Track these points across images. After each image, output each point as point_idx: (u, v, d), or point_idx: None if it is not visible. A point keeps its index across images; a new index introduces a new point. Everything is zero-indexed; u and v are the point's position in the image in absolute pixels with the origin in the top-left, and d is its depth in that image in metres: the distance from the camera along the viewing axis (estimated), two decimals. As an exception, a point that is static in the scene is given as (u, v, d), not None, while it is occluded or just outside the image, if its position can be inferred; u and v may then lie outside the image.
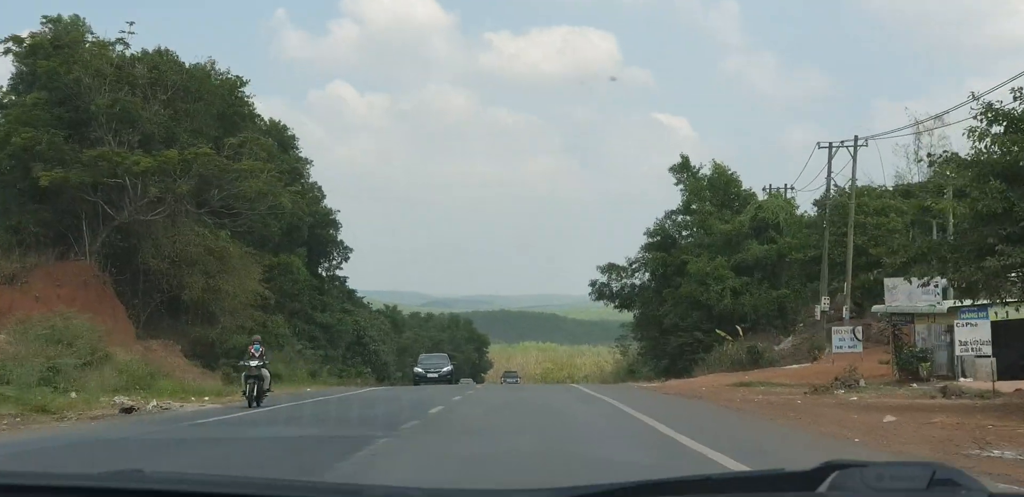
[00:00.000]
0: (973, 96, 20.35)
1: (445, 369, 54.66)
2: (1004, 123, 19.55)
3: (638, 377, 65.05)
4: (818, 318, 50.31)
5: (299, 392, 36.91)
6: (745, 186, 68.33)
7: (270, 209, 48.48)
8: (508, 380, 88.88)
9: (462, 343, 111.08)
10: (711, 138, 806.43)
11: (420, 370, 54.68)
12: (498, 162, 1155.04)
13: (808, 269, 55.30)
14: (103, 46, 45.71)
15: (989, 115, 19.51)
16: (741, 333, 54.55)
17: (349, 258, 71.38)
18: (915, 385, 29.77)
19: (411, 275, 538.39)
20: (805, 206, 64.80)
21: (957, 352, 24.66)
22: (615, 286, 69.52)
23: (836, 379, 30.15)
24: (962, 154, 22.30)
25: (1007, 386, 25.23)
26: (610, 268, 68.93)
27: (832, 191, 52.63)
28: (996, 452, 12.83)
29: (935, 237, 29.13)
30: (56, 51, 43.79)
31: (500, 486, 1.80)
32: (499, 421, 19.62)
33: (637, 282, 69.18)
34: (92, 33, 47.16)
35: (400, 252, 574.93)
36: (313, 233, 63.47)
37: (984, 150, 19.55)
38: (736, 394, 30.35)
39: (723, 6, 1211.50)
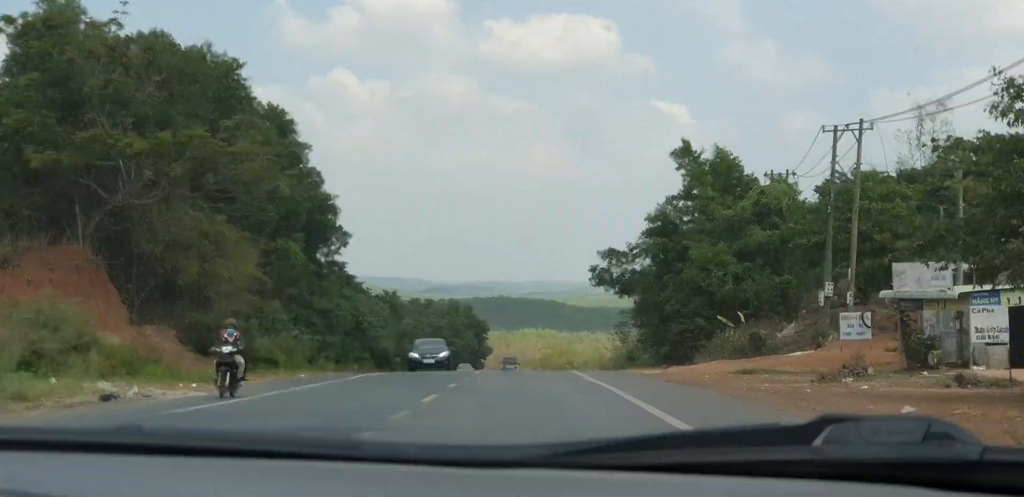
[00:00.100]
0: (995, 71, 19.56)
1: (442, 355, 53.38)
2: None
3: (638, 364, 64.44)
4: (821, 304, 49.65)
5: (292, 379, 36.15)
6: (747, 172, 67.58)
7: (267, 193, 47.70)
8: (507, 366, 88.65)
9: (461, 329, 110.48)
10: (711, 126, 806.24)
11: (416, 355, 53.51)
12: (499, 149, 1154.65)
13: (811, 255, 54.63)
14: (97, 27, 44.94)
15: (1011, 90, 18.73)
16: (743, 319, 53.93)
17: (348, 244, 70.77)
18: (925, 373, 29.11)
19: (412, 262, 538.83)
20: (807, 192, 64.13)
21: (973, 339, 23.92)
22: (615, 272, 68.92)
23: (844, 367, 29.45)
24: (966, 140, 21.73)
25: (1022, 374, 24.52)
26: (610, 253, 68.29)
27: (836, 175, 51.91)
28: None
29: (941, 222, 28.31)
30: (48, 31, 43.01)
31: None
32: (496, 412, 18.60)
33: (638, 268, 68.63)
34: (86, 14, 46.38)
35: (401, 239, 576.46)
36: (312, 218, 62.65)
37: (1008, 125, 18.75)
38: (741, 382, 29.71)
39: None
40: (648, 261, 67.55)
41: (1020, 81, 18.94)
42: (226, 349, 22.98)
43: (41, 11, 44.99)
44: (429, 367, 50.20)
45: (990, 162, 19.25)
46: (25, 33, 43.67)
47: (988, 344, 27.29)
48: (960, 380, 23.95)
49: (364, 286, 78.99)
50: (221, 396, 22.62)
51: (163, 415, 18.15)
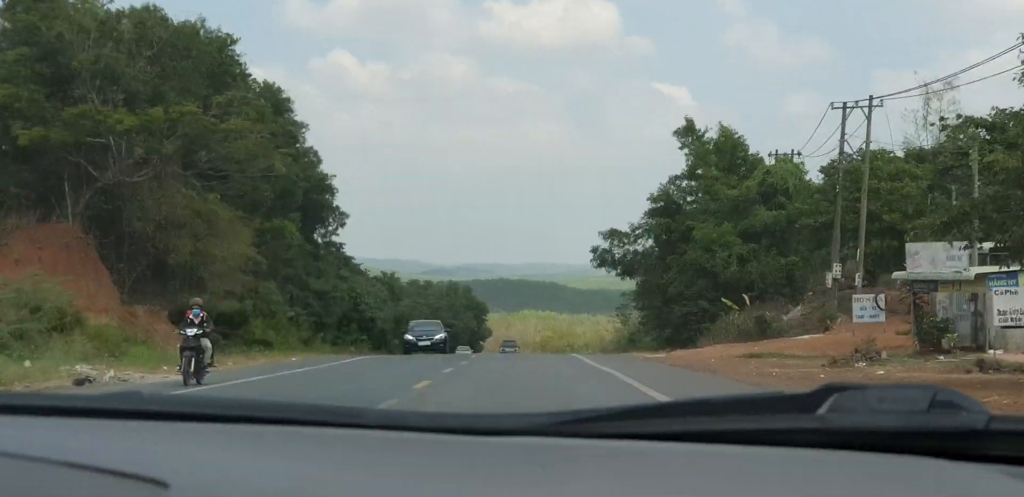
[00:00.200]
0: (1022, 37, 18.53)
1: (438, 337, 51.81)
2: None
3: (639, 347, 63.64)
4: (829, 286, 48.69)
5: (283, 362, 35.08)
6: (752, 151, 66.37)
7: (262, 172, 46.66)
8: (506, 349, 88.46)
9: (461, 311, 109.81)
10: (712, 107, 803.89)
11: (411, 338, 51.93)
12: (499, 131, 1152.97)
13: (818, 235, 53.64)
14: (87, 0, 43.96)
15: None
16: (747, 302, 52.97)
17: (345, 224, 70.03)
18: (941, 357, 28.13)
19: (411, 244, 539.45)
20: (813, 173, 62.97)
21: (996, 322, 22.88)
22: (617, 253, 67.95)
23: (856, 351, 28.46)
24: (978, 117, 20.93)
25: (1042, 358, 23.55)
26: (612, 234, 67.31)
27: (844, 154, 50.84)
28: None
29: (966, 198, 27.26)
30: (36, 4, 42.01)
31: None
32: (493, 401, 17.22)
33: (640, 249, 67.61)
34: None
35: (401, 221, 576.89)
36: (308, 198, 61.59)
37: None
38: (749, 366, 28.77)
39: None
40: (651, 242, 66.60)
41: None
42: (190, 331, 20.94)
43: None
44: (425, 350, 48.84)
45: (1020, 133, 18.18)
46: (12, 6, 42.89)
47: (1007, 327, 26.22)
48: (982, 365, 22.93)
49: (362, 268, 78.19)
50: (185, 383, 20.53)
51: None
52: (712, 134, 65.32)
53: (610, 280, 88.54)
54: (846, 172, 49.77)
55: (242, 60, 52.48)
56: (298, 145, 60.95)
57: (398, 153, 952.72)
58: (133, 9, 45.70)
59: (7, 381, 19.56)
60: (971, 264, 30.69)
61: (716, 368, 28.53)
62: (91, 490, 1.48)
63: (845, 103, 48.53)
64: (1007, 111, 19.74)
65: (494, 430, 1.70)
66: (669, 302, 60.75)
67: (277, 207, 55.72)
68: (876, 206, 47.03)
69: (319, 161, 65.40)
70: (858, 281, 44.17)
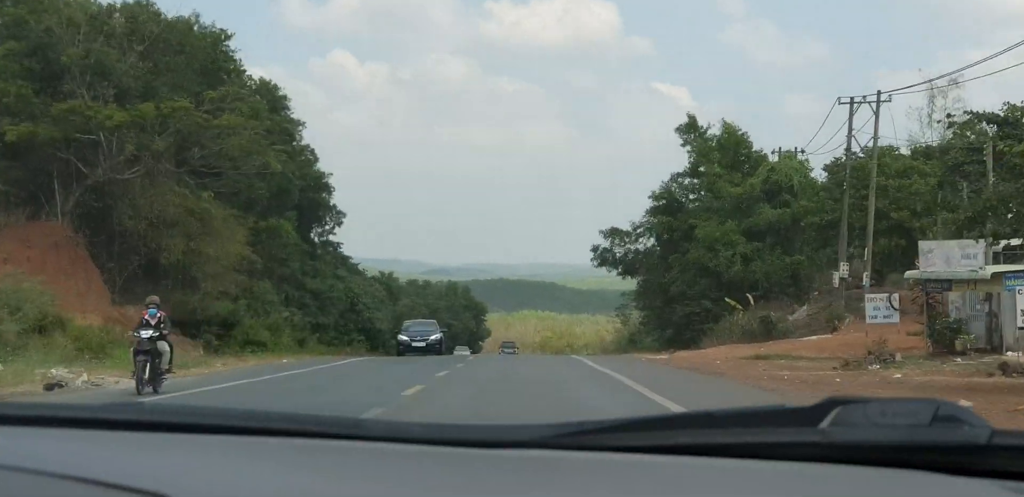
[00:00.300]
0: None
1: (433, 337, 49.54)
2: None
3: (640, 347, 62.66)
4: (836, 286, 47.72)
5: (274, 363, 33.99)
6: (755, 148, 65.32)
7: (256, 169, 45.70)
8: (505, 351, 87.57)
9: (460, 311, 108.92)
10: (711, 108, 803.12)
11: (404, 338, 49.70)
12: (498, 130, 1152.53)
13: (824, 234, 52.70)
14: (77, -7, 43.17)
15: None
16: (752, 302, 51.99)
17: (342, 223, 69.01)
18: (958, 360, 27.14)
19: (411, 244, 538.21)
20: (818, 171, 62.00)
21: (1020, 323, 21.94)
22: (618, 252, 66.99)
23: (869, 353, 27.48)
24: (988, 112, 20.07)
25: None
26: (613, 233, 66.31)
27: (850, 151, 49.91)
28: None
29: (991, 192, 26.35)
30: (25, -3, 41.18)
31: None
32: (490, 413, 15.65)
33: (641, 248, 66.63)
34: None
35: (400, 221, 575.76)
36: (304, 197, 60.62)
37: None
38: (757, 369, 27.84)
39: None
40: (652, 241, 65.60)
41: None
42: (144, 334, 18.78)
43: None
44: (419, 351, 47.13)
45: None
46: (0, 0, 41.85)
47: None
48: (1004, 368, 21.90)
49: (361, 267, 77.32)
50: (139, 392, 18.46)
51: None
52: (715, 131, 64.40)
53: (610, 280, 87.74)
54: (853, 169, 48.84)
55: (236, 56, 51.82)
56: (294, 143, 60.04)
57: (398, 152, 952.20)
58: (125, 3, 45.12)
59: (-25, 385, 18.57)
60: (986, 262, 29.71)
61: (723, 371, 27.59)
62: None
63: (852, 98, 47.66)
64: (1019, 105, 18.89)
65: (497, 442, 1.67)
66: (671, 302, 59.81)
67: (273, 205, 54.81)
68: (884, 204, 46.15)
69: (316, 159, 64.47)
70: (866, 280, 43.21)
